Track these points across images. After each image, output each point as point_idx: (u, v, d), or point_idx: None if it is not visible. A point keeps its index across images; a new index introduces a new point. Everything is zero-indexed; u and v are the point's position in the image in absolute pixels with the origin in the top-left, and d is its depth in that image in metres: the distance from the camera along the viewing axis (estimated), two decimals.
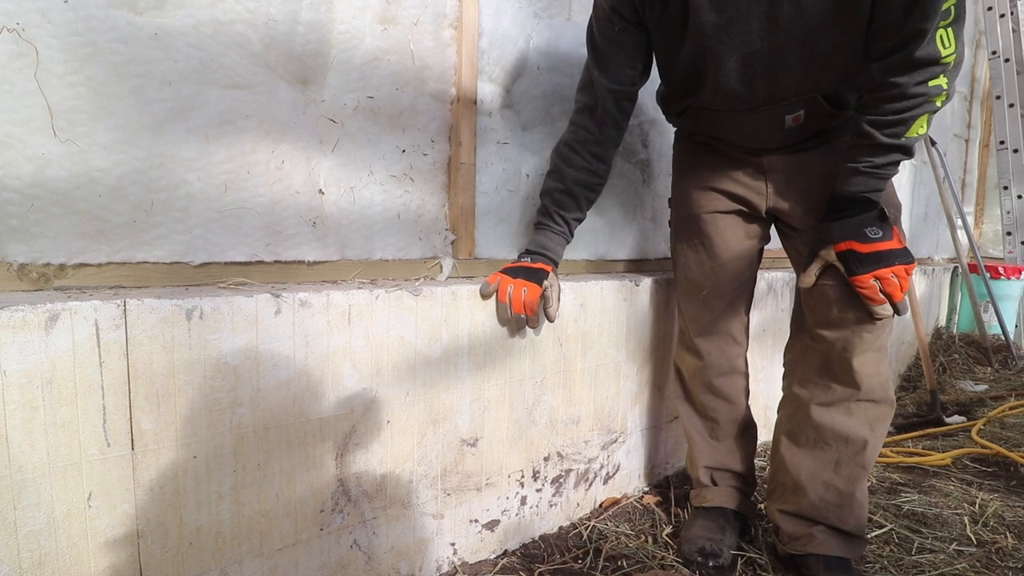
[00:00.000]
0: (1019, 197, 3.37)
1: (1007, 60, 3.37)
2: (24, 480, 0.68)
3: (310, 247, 1.02)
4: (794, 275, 1.94)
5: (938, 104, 0.91)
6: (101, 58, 0.80)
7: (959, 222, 3.12)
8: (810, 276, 1.06)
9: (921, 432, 2.07)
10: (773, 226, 1.23)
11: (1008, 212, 3.40)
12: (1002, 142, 3.40)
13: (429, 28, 1.14)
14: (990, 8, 3.38)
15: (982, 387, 2.62)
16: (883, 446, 1.75)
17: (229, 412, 0.82)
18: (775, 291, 1.87)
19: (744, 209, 1.18)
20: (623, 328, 1.38)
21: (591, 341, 1.32)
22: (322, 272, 1.04)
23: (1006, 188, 3.40)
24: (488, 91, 1.25)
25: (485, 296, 1.09)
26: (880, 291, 0.98)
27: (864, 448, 1.09)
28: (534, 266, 1.12)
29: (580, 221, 1.22)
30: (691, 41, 0.98)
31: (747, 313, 1.28)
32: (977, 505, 1.45)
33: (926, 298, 3.07)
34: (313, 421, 0.90)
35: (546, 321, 1.20)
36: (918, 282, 2.82)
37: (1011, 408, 2.25)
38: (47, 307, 0.68)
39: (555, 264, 1.16)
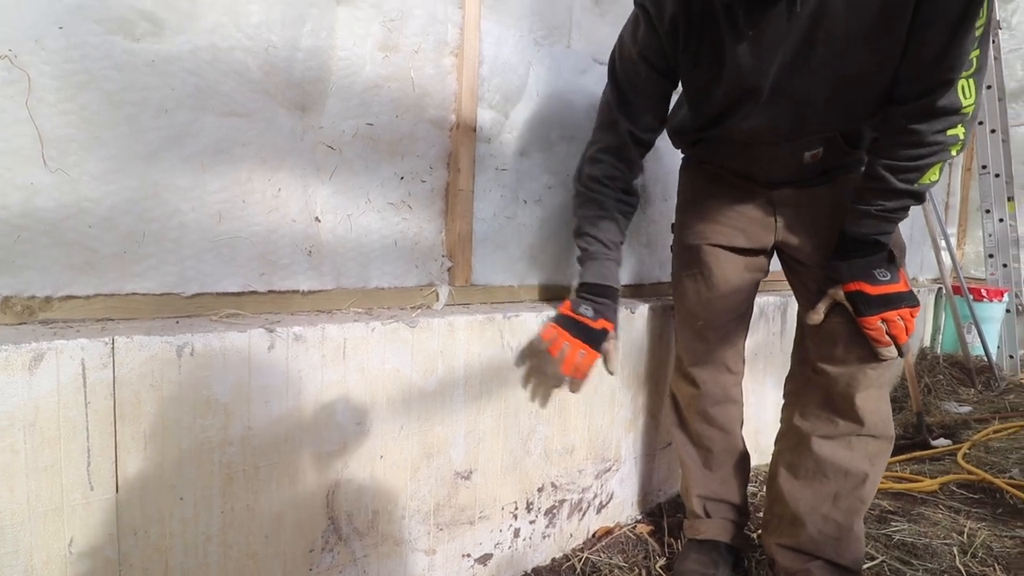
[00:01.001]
0: (1000, 220, 3.45)
1: (989, 87, 3.45)
2: (2, 527, 0.65)
3: (305, 276, 1.00)
4: (785, 299, 1.96)
5: (953, 153, 0.92)
6: (95, 86, 0.78)
7: (943, 243, 3.18)
8: (819, 314, 1.07)
9: (908, 456, 2.09)
10: (774, 258, 1.23)
11: (990, 235, 3.47)
12: (984, 167, 3.48)
13: (430, 55, 1.13)
14: None
15: (966, 409, 2.65)
16: None
17: (219, 451, 0.80)
18: (767, 316, 1.88)
19: (748, 244, 1.18)
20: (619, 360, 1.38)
21: None
22: (317, 301, 1.02)
23: (988, 211, 3.48)
24: (487, 117, 1.24)
25: (537, 352, 1.04)
26: (886, 333, 0.98)
27: (864, 482, 1.09)
28: (595, 326, 1.05)
29: (621, 246, 1.17)
30: (726, 81, 0.97)
31: (743, 343, 1.28)
32: (965, 535, 1.46)
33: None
34: (305, 458, 0.88)
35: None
36: None
37: (995, 431, 2.28)
38: (31, 346, 0.66)
39: (616, 306, 1.11)
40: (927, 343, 3.47)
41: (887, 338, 0.99)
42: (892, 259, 1.01)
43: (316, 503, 0.90)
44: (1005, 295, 3.19)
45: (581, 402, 1.31)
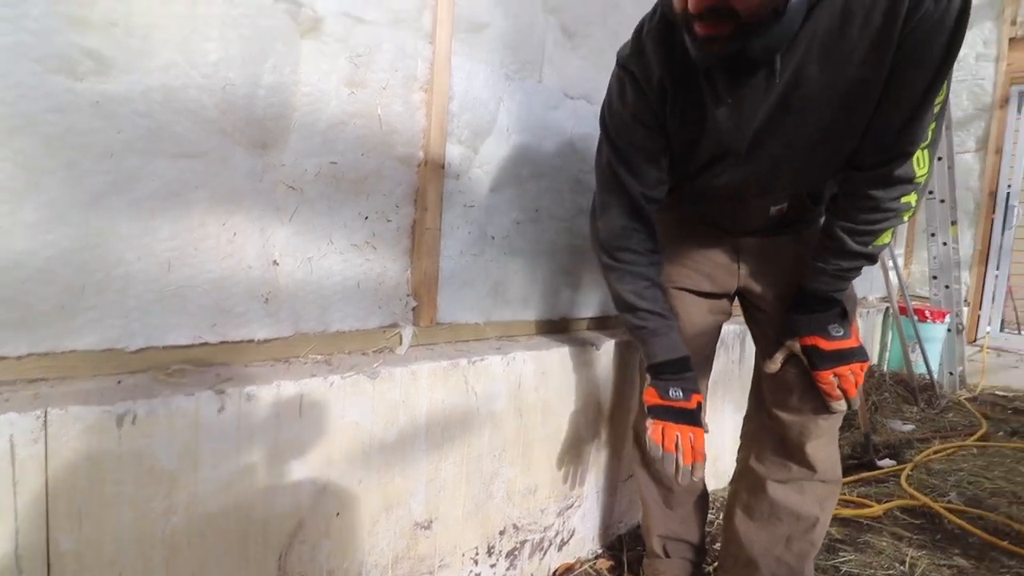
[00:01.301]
0: (944, 244, 3.63)
1: None
2: None
3: (261, 324, 0.95)
4: (744, 328, 2.01)
5: (904, 219, 0.96)
6: (32, 129, 0.72)
7: (891, 264, 3.32)
8: (776, 363, 1.09)
9: (856, 477, 2.17)
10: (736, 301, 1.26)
11: (935, 257, 3.65)
12: (931, 192, 3.65)
13: (399, 91, 1.10)
14: None
15: (909, 427, 2.79)
16: None
17: (162, 521, 0.75)
18: (726, 344, 1.92)
19: (713, 288, 1.20)
20: (583, 392, 1.38)
21: (551, 409, 1.30)
22: (273, 350, 0.98)
23: (933, 235, 3.66)
24: (456, 153, 1.22)
25: (656, 458, 1.03)
26: (837, 387, 1.01)
27: (814, 526, 1.12)
28: (690, 406, 1.05)
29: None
30: (707, 142, 0.98)
31: (706, 383, 1.30)
32: (907, 564, 1.53)
33: (862, 338, 3.26)
34: (256, 521, 0.84)
35: (509, 390, 1.19)
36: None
37: (935, 452, 2.40)
38: None
39: (695, 373, 1.10)
40: (875, 360, 3.62)
41: (838, 392, 1.02)
42: (845, 315, 1.05)
43: (267, 566, 0.86)
44: (947, 316, 3.36)
45: (545, 441, 1.30)
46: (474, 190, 1.27)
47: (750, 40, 0.80)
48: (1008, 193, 3.78)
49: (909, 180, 0.91)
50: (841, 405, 1.03)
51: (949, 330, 3.48)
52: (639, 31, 0.99)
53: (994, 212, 3.80)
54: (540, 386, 1.27)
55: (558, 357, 1.31)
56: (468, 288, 1.28)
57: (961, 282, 3.85)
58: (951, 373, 3.53)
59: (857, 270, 1.02)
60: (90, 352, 0.80)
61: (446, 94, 1.17)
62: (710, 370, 1.30)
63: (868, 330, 3.43)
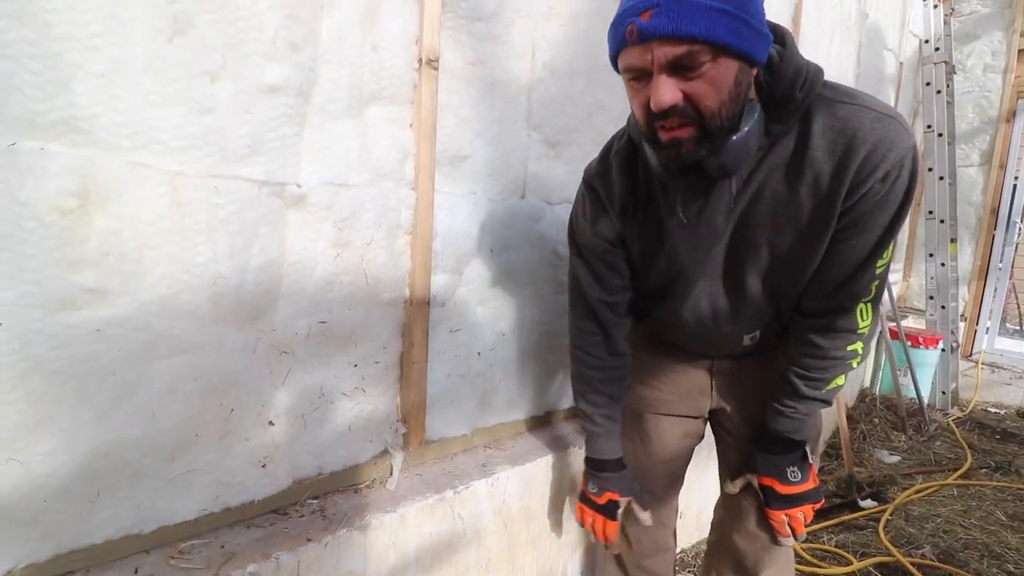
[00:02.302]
0: (942, 265, 3.64)
1: (940, 135, 3.57)
2: None
3: (260, 486, 1.04)
4: None
5: (854, 365, 1.02)
6: (40, 369, 0.79)
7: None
8: (735, 487, 1.16)
9: (837, 520, 2.27)
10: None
11: (932, 278, 3.66)
12: (931, 212, 3.64)
13: (383, 243, 1.15)
14: (928, 83, 3.57)
15: (895, 458, 2.87)
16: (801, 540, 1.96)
17: None
18: None
19: (687, 412, 1.25)
20: (567, 490, 1.47)
21: (535, 513, 1.39)
22: (271, 503, 1.06)
23: (931, 255, 3.66)
24: (441, 282, 1.27)
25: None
26: (787, 525, 1.09)
27: None
28: (600, 501, 1.20)
29: (619, 408, 1.25)
30: (666, 258, 1.02)
31: (677, 498, 1.37)
32: None
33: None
34: None
35: (495, 507, 1.28)
36: None
37: (916, 492, 2.49)
38: None
39: (616, 474, 1.21)
40: (867, 383, 3.68)
41: (787, 530, 1.10)
42: (805, 456, 1.11)
43: None
44: (940, 342, 3.39)
45: (529, 543, 1.40)
46: (459, 312, 1.32)
47: (714, 147, 0.80)
48: (1011, 209, 3.75)
49: (852, 331, 0.97)
50: (789, 541, 1.11)
51: (943, 350, 3.52)
52: (608, 150, 1.04)
53: (995, 228, 3.78)
54: (524, 495, 1.35)
55: (543, 465, 1.39)
56: (455, 406, 1.35)
57: (959, 298, 3.86)
58: (944, 392, 3.59)
59: (812, 413, 1.08)
60: (109, 542, 0.89)
61: (430, 235, 1.22)
62: (680, 488, 1.36)
63: None
